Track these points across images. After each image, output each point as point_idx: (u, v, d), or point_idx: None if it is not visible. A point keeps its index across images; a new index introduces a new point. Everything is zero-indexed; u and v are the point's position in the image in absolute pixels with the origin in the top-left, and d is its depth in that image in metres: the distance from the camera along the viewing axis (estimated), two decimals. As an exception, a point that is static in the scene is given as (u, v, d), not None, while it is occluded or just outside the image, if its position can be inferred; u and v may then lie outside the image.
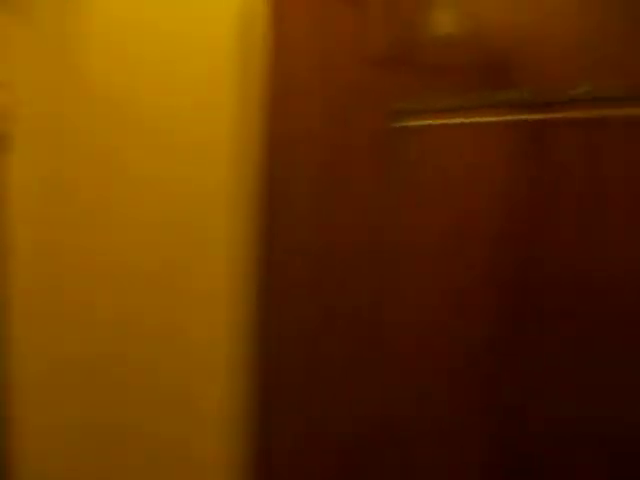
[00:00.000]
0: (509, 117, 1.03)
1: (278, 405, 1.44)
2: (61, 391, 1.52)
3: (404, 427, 1.21)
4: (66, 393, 1.52)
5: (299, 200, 1.37)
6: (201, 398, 1.48)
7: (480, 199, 1.09)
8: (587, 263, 0.99)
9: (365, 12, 1.23)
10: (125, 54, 1.42)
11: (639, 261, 0.93)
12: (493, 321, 1.09)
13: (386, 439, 1.24)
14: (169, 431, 1.50)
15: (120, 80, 1.43)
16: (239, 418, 1.47)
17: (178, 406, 1.50)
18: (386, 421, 1.25)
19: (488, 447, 1.10)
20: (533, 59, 1.02)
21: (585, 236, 0.98)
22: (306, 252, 1.37)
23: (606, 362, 0.97)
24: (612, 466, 0.96)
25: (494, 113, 1.04)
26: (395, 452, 1.23)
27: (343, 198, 1.30)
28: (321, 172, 1.33)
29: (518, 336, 1.06)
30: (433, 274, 1.17)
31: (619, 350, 0.96)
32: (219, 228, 1.44)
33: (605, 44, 0.93)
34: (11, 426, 1.49)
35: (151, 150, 1.45)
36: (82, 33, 1.44)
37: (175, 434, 1.50)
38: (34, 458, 1.52)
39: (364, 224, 1.27)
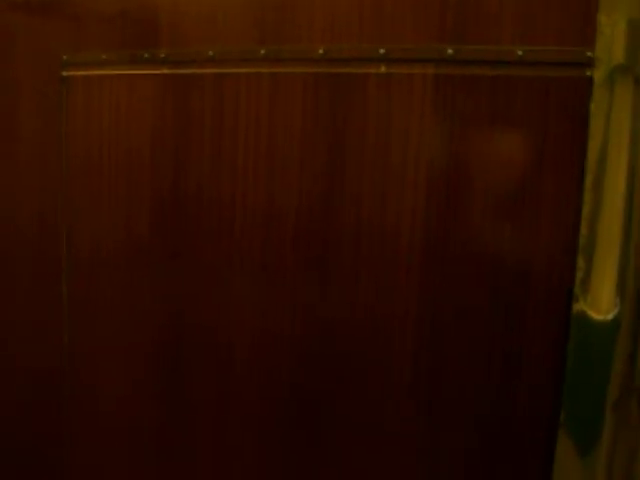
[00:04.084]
0: (155, 71, 1.20)
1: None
2: None
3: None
4: None
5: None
6: None
7: (134, 143, 1.23)
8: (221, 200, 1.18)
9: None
10: None
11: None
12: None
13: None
14: None
15: None
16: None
17: None
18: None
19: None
20: (175, 21, 1.20)
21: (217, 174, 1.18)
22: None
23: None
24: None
25: (144, 68, 1.20)
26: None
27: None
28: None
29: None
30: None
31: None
32: None
33: (235, 12, 1.16)
34: None
35: None
36: None
37: None
38: None
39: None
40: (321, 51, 1.08)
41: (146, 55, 1.19)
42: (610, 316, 0.89)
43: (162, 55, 1.18)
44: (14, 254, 1.42)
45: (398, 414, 1.05)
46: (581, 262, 0.90)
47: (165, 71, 1.19)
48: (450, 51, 0.98)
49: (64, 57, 1.25)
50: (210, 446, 1.22)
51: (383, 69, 1.05)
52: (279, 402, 1.15)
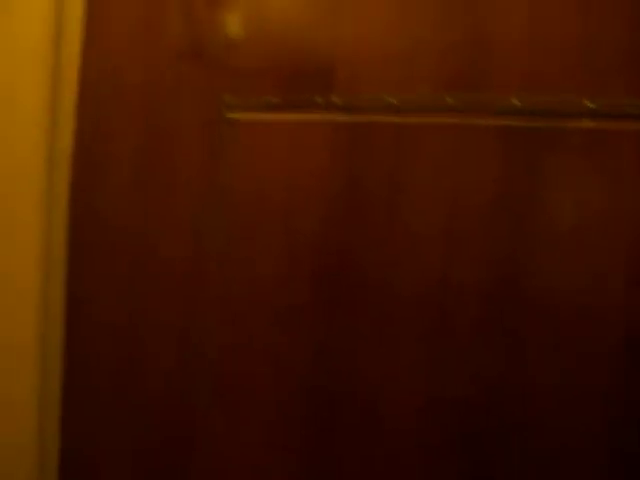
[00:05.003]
0: (327, 117, 1.16)
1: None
2: None
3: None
4: None
5: (112, 201, 1.33)
6: None
7: (301, 195, 1.19)
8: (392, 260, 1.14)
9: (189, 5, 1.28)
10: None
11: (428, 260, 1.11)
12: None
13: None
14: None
15: None
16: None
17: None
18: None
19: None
20: (352, 67, 1.16)
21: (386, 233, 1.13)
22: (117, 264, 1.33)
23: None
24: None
25: (316, 114, 1.16)
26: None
27: (164, 194, 1.30)
28: (138, 171, 1.31)
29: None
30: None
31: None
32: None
33: (418, 55, 1.11)
34: None
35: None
36: None
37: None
38: None
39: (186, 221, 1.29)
40: (516, 101, 1.03)
41: (318, 100, 1.15)
42: None
43: (336, 100, 1.14)
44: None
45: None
46: None
47: (338, 118, 1.15)
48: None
49: (227, 100, 1.22)
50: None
51: (589, 124, 0.99)
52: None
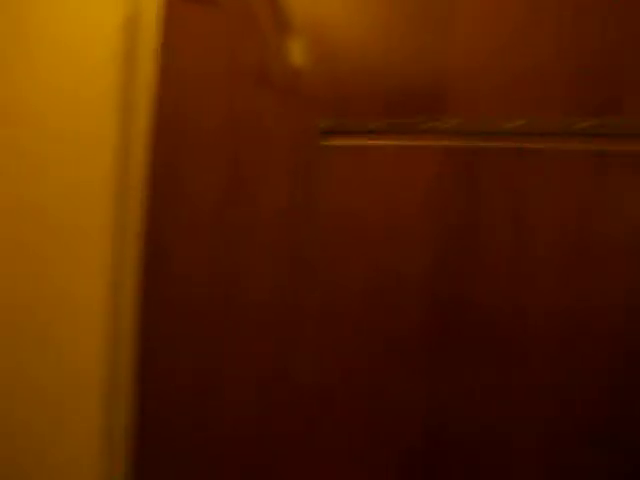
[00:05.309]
0: (440, 143, 1.06)
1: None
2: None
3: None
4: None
5: (198, 226, 1.25)
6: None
7: (407, 224, 1.10)
8: (515, 293, 1.04)
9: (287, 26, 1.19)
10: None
11: (559, 290, 1.02)
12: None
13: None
14: None
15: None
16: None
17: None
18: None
19: None
20: (467, 89, 1.06)
21: (512, 267, 1.04)
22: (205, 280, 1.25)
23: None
24: None
25: (425, 138, 1.06)
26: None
27: (253, 219, 1.21)
28: (226, 193, 1.23)
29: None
30: (361, 313, 1.14)
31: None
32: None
33: (541, 80, 1.01)
34: None
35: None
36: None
37: None
38: None
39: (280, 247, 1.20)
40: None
41: (428, 124, 1.06)
42: None
43: (446, 125, 1.05)
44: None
45: None
46: None
47: (448, 143, 1.05)
48: None
49: (322, 126, 1.13)
50: None
51: None
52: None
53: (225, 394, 1.25)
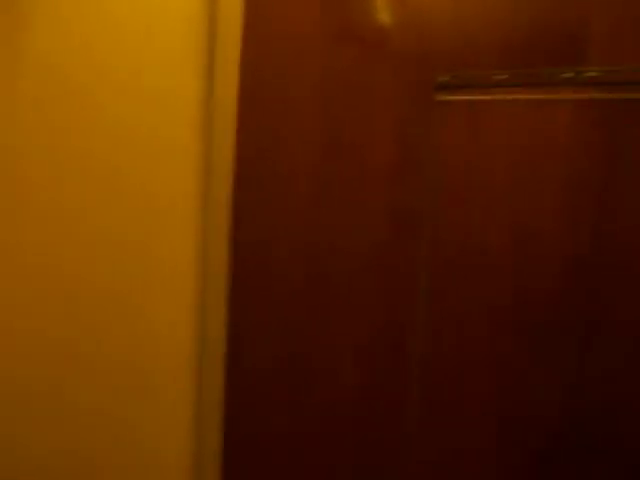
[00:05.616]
0: (575, 96, 0.94)
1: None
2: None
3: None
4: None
5: (296, 191, 1.14)
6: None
7: (539, 187, 0.98)
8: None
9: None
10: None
11: None
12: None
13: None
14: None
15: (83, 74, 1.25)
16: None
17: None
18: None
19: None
20: (605, 35, 0.95)
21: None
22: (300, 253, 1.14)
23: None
24: None
25: (557, 91, 0.95)
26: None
27: (355, 175, 1.10)
28: (324, 159, 1.12)
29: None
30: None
31: None
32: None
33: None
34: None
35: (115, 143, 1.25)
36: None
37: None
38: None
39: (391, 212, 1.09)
40: None
41: (565, 75, 0.94)
42: None
43: (589, 75, 0.93)
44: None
45: None
46: None
47: (592, 95, 0.93)
48: None
49: (439, 79, 1.02)
50: None
51: None
52: None
53: (326, 364, 1.14)
